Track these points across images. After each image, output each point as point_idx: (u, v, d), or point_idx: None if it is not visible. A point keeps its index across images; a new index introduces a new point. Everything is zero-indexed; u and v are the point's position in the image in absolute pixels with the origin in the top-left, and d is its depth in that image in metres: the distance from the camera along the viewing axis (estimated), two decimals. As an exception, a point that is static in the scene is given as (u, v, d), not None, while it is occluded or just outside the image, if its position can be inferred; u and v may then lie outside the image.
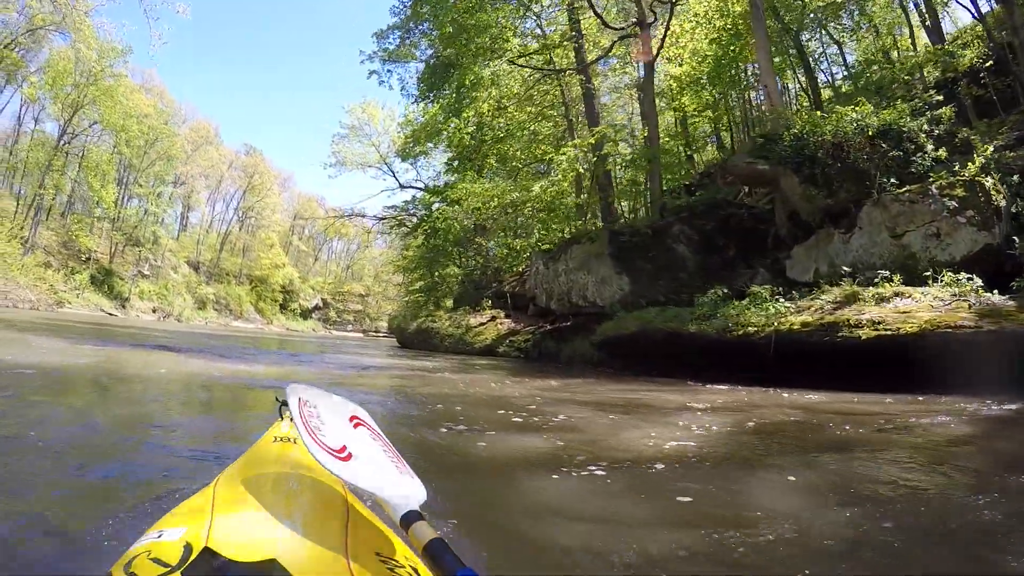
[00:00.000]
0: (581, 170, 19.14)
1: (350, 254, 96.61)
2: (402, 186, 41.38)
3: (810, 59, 23.73)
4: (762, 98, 26.57)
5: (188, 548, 1.09)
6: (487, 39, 21.32)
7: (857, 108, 13.49)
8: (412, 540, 1.13)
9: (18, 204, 47.49)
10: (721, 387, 9.49)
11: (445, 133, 27.43)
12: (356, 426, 1.59)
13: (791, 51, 22.87)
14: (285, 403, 1.72)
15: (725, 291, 12.70)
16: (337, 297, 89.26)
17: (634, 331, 13.39)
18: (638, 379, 11.35)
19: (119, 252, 56.08)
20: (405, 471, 1.43)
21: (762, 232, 15.77)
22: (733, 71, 23.13)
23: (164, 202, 61.09)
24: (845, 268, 11.24)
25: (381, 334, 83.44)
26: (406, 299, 42.76)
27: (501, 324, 22.23)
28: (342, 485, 1.46)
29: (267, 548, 1.09)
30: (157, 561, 1.06)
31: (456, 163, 29.95)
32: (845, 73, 24.58)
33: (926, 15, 20.60)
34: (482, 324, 22.75)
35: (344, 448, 1.38)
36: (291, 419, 1.67)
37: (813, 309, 10.37)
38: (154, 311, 54.83)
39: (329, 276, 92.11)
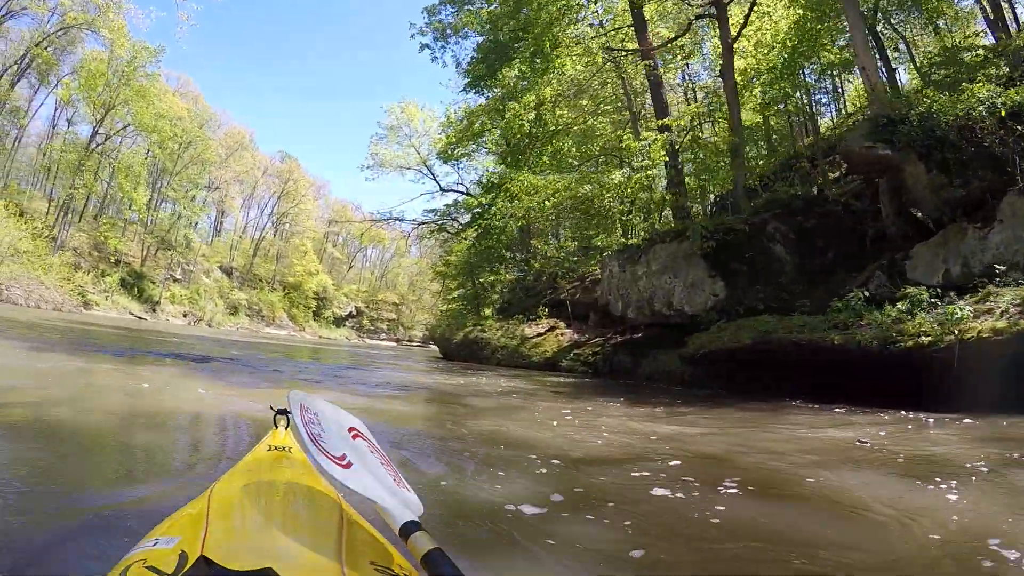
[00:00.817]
0: (665, 158, 16.61)
1: (384, 262, 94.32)
2: (443, 189, 39.06)
3: (886, 48, 21.32)
4: (819, 98, 24.56)
5: (184, 556, 1.09)
6: (556, 8, 19.04)
7: (984, 86, 11.50)
8: (411, 550, 1.13)
9: (50, 205, 46.39)
10: (856, 413, 7.65)
11: (505, 116, 24.80)
12: (355, 437, 1.59)
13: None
14: (281, 411, 1.96)
15: (866, 294, 10.40)
16: (371, 305, 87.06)
17: (748, 343, 11.01)
18: (748, 402, 9.44)
19: (151, 255, 54.89)
20: (403, 484, 1.45)
21: (859, 231, 13.91)
22: (805, 62, 20.86)
23: (197, 206, 59.79)
24: (999, 266, 9.42)
25: (415, 343, 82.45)
26: (444, 308, 40.61)
27: (562, 335, 19.90)
28: (336, 494, 1.53)
29: (263, 556, 1.07)
30: (153, 569, 1.05)
31: (508, 159, 27.46)
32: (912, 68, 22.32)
33: (988, 11, 19.02)
34: (540, 335, 20.43)
35: (344, 456, 1.39)
36: (287, 427, 1.91)
37: (997, 314, 8.20)
38: (184, 315, 53.38)
39: (363, 284, 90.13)
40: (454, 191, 38.70)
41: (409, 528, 1.18)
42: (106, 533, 2.22)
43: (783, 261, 14.22)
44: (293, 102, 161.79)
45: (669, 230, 15.40)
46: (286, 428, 1.94)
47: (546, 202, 20.50)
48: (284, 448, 1.79)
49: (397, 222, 39.57)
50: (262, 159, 73.48)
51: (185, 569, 1.04)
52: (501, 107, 24.30)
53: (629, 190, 17.08)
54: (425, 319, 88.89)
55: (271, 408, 1.98)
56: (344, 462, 1.37)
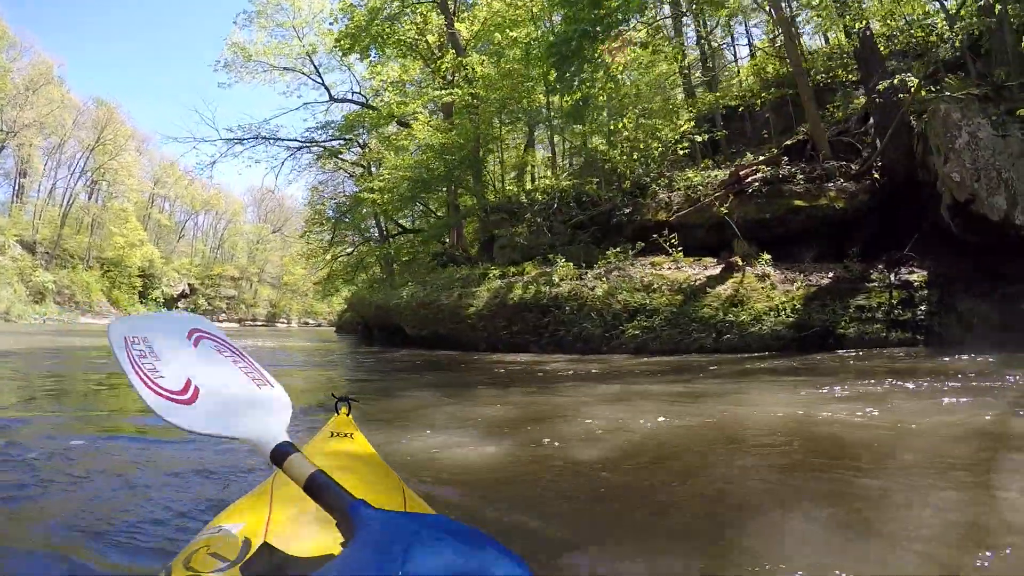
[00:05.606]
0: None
1: (219, 231, 77.99)
2: (334, 99, 25.58)
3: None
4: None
5: (247, 543, 1.04)
6: None
7: None
8: (290, 477, 0.96)
9: None
10: None
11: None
12: (198, 341, 1.33)
13: None
14: (341, 399, 1.85)
15: None
16: (206, 281, 70.74)
17: None
18: None
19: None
20: (264, 383, 1.25)
21: None
22: None
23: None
24: None
25: (259, 323, 69.13)
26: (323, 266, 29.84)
27: (763, 277, 8.80)
28: (399, 479, 1.44)
29: (324, 543, 1.02)
30: (216, 555, 1.02)
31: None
32: None
33: None
34: (714, 280, 9.08)
35: (188, 385, 1.15)
36: (348, 413, 1.81)
37: None
38: (-28, 308, 37.88)
39: (196, 257, 73.07)
40: (352, 102, 25.65)
41: (281, 452, 0.96)
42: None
43: None
44: (116, 41, 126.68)
45: None
46: (348, 414, 1.81)
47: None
48: (347, 434, 1.66)
49: (268, 143, 25.27)
50: (73, 102, 54.54)
51: (248, 556, 0.99)
52: None
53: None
54: (267, 295, 75.41)
55: (332, 395, 1.90)
56: (187, 393, 1.11)
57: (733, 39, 21.67)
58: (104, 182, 57.02)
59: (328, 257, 29.40)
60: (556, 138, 19.22)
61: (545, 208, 13.90)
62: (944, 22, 9.94)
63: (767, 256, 9.34)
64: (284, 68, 25.33)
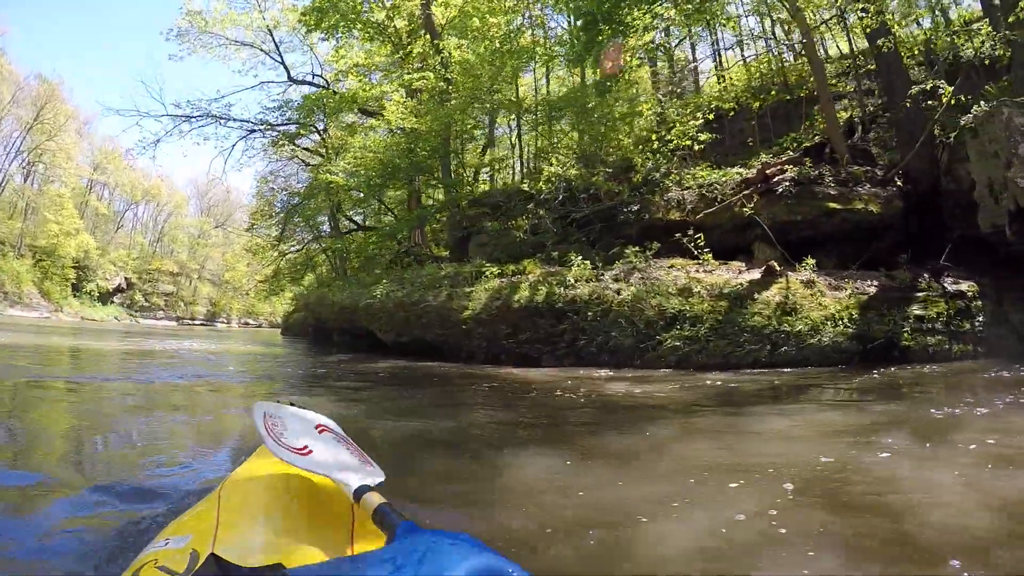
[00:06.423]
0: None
1: (159, 223, 73.89)
2: (293, 80, 23.79)
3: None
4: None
5: (194, 555, 1.03)
6: None
7: None
8: (365, 509, 1.11)
9: None
10: None
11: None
12: (321, 432, 1.56)
13: None
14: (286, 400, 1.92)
15: None
16: (144, 276, 67.29)
17: None
18: None
19: None
20: (367, 460, 1.45)
21: None
22: None
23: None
24: None
25: (198, 322, 66.60)
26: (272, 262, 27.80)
27: (808, 285, 8.06)
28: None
29: (273, 552, 1.03)
30: (164, 569, 1.00)
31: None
32: None
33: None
34: (754, 284, 8.23)
35: (305, 447, 1.39)
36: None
37: None
38: None
39: (134, 249, 68.94)
40: (312, 84, 23.98)
41: (361, 491, 1.18)
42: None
43: None
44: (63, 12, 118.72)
45: None
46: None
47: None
48: None
49: (219, 123, 22.58)
50: (14, 75, 50.50)
51: (196, 568, 0.97)
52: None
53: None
54: (208, 293, 72.61)
55: (278, 403, 1.80)
56: (304, 451, 1.37)
57: (715, 47, 21.29)
58: (41, 163, 53.36)
59: (275, 254, 27.71)
60: (529, 136, 18.49)
61: (548, 200, 12.84)
62: (989, 28, 9.38)
63: (811, 261, 8.54)
64: (242, 43, 23.54)
